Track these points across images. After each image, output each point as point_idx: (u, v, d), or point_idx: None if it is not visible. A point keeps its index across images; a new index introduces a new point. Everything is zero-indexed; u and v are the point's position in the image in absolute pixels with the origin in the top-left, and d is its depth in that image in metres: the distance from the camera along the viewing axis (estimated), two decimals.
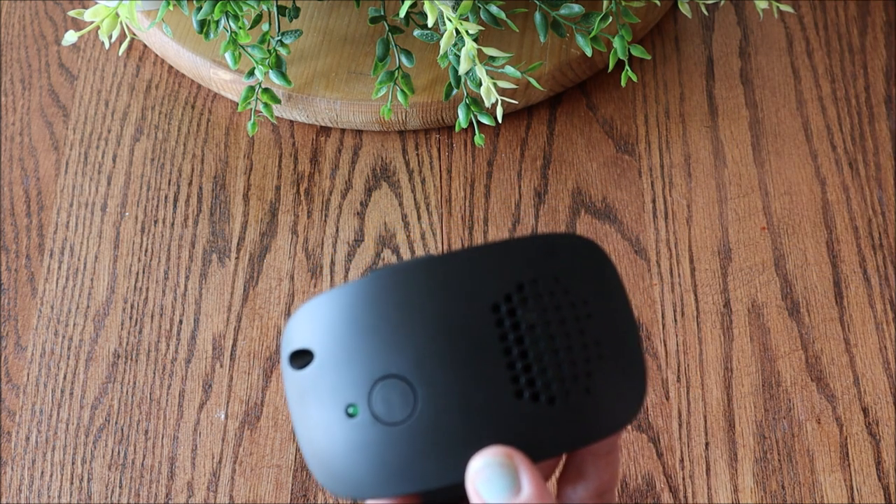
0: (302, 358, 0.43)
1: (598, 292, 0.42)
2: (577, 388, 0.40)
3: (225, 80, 0.83)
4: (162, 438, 0.72)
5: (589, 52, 0.77)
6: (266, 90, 0.80)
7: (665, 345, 0.75)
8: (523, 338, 0.41)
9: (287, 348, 0.43)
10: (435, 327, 0.41)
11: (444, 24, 0.71)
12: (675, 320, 0.76)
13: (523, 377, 0.40)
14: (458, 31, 0.70)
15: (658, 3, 0.83)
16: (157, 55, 0.87)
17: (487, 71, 0.73)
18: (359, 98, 0.81)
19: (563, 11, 0.76)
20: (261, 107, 0.80)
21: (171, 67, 0.86)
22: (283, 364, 0.43)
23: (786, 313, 0.76)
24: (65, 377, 0.74)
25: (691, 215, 0.80)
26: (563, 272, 0.41)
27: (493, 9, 0.73)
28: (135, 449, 0.72)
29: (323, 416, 0.41)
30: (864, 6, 0.88)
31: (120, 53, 0.85)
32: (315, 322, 0.42)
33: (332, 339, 0.42)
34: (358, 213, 0.80)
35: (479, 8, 0.73)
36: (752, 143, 0.83)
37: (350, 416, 0.41)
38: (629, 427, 0.72)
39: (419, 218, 0.80)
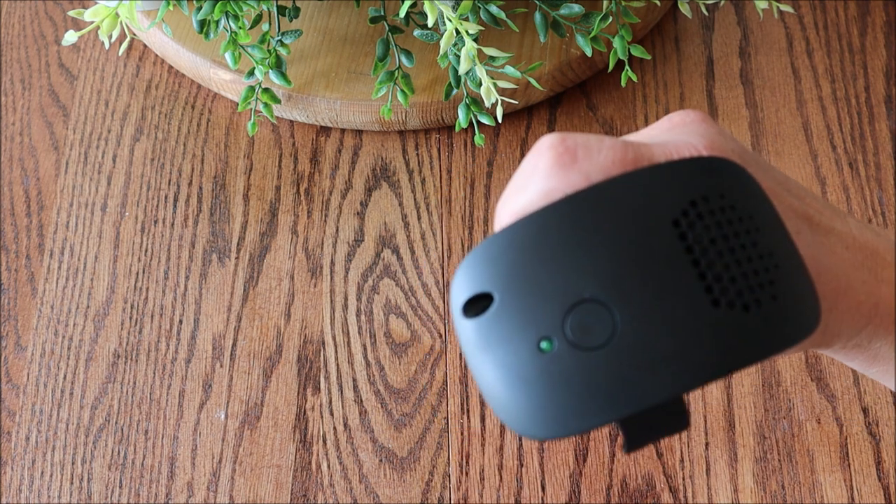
0: (478, 304, 0.41)
1: (757, 208, 0.42)
2: (765, 295, 0.41)
3: (225, 80, 0.83)
4: (162, 438, 0.72)
5: (589, 52, 0.77)
6: (266, 90, 0.80)
7: None
8: (708, 249, 0.41)
9: (460, 298, 0.42)
10: (620, 246, 0.41)
11: (444, 24, 0.71)
12: None
13: (716, 286, 0.40)
14: (458, 31, 0.70)
15: (658, 3, 0.83)
16: (157, 55, 0.87)
17: (487, 71, 0.73)
18: (359, 98, 0.81)
19: (563, 11, 0.76)
20: (261, 107, 0.80)
21: (171, 67, 0.86)
22: (457, 316, 0.42)
23: None
24: (65, 377, 0.74)
25: None
26: (726, 189, 0.42)
27: (493, 9, 0.73)
28: (135, 449, 0.72)
29: (513, 358, 0.40)
30: (864, 6, 0.88)
31: (120, 53, 0.85)
32: (492, 262, 0.41)
33: (513, 275, 0.41)
34: (358, 213, 0.80)
35: (479, 8, 0.73)
36: (752, 143, 0.83)
37: (543, 351, 0.40)
38: None
39: (419, 218, 0.80)
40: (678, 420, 0.41)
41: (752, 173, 0.44)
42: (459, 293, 0.42)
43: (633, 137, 0.46)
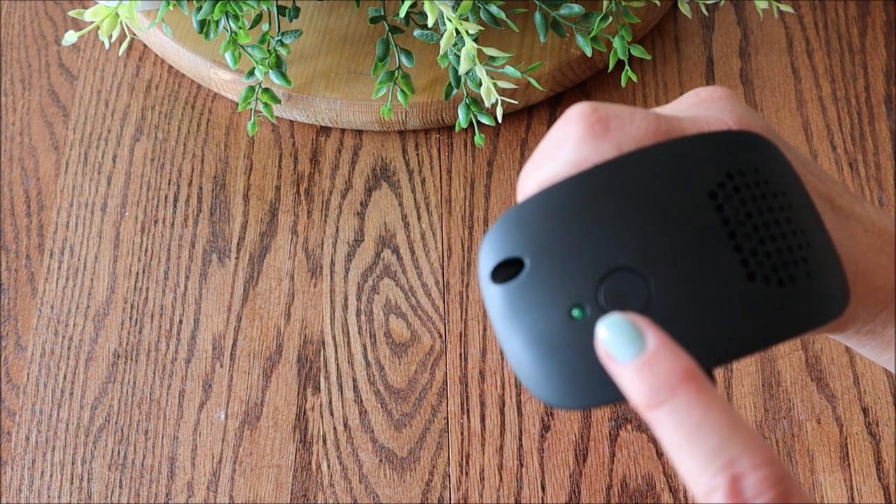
0: (507, 269, 0.41)
1: (790, 184, 0.42)
2: (800, 272, 0.40)
3: (225, 80, 0.83)
4: (162, 438, 0.72)
5: (589, 52, 0.77)
6: (266, 90, 0.80)
7: None
8: (744, 223, 0.40)
9: (488, 263, 0.41)
10: (656, 216, 0.40)
11: (444, 24, 0.71)
12: None
13: (752, 260, 0.40)
14: (458, 31, 0.70)
15: (658, 3, 0.83)
16: (157, 55, 0.87)
17: (487, 71, 0.73)
18: (359, 98, 0.81)
19: (563, 11, 0.76)
20: (261, 107, 0.80)
21: (171, 67, 0.86)
22: (484, 282, 0.41)
23: None
24: (65, 377, 0.74)
25: None
26: (761, 164, 0.41)
27: (493, 9, 0.73)
28: (135, 449, 0.72)
29: (544, 324, 0.40)
30: (864, 6, 0.88)
31: (120, 53, 0.85)
32: (524, 227, 0.41)
33: (545, 241, 0.40)
34: (358, 213, 0.80)
35: (479, 8, 0.73)
36: None
37: (575, 319, 0.39)
38: (629, 427, 0.72)
39: (419, 218, 0.80)
40: None
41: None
42: (489, 258, 0.41)
43: (661, 110, 0.45)
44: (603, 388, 0.39)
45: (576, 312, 0.40)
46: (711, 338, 0.39)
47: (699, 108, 0.45)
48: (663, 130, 0.42)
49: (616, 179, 0.41)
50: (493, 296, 0.41)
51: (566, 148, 0.42)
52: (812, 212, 0.42)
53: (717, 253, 0.40)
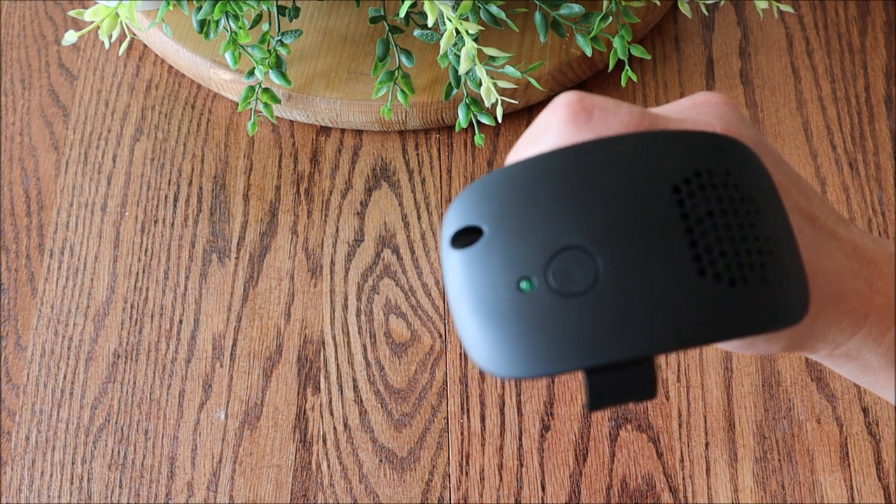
0: (467, 237, 0.42)
1: (761, 192, 0.42)
2: (755, 275, 0.40)
3: (225, 80, 0.83)
4: (162, 438, 0.72)
5: (589, 52, 0.77)
6: (266, 90, 0.80)
7: None
8: (703, 220, 0.40)
9: (450, 228, 0.42)
10: (616, 200, 0.41)
11: (444, 24, 0.71)
12: None
13: (706, 256, 0.40)
14: (458, 31, 0.70)
15: (658, 3, 0.83)
16: (157, 55, 0.87)
17: (487, 71, 0.73)
18: (359, 98, 0.81)
19: (563, 11, 0.76)
20: (261, 107, 0.80)
21: (171, 67, 0.86)
22: (444, 246, 0.42)
23: None
24: (65, 377, 0.74)
25: None
26: (734, 167, 0.42)
27: (493, 9, 0.73)
28: (135, 449, 0.72)
29: (492, 293, 0.41)
30: (864, 6, 0.88)
31: (120, 53, 0.85)
32: (486, 197, 0.42)
33: (505, 212, 0.41)
34: (358, 213, 0.80)
35: (479, 8, 0.73)
36: None
37: (522, 290, 0.40)
38: (629, 426, 0.72)
39: (419, 218, 0.80)
40: (645, 387, 0.41)
41: (763, 163, 0.44)
42: (451, 224, 0.42)
43: (653, 111, 0.45)
44: (540, 361, 0.40)
45: (524, 284, 0.40)
46: (652, 325, 0.40)
47: (691, 111, 0.45)
48: (645, 125, 0.42)
49: (583, 161, 0.41)
50: (450, 260, 0.42)
51: (549, 134, 0.43)
52: (782, 222, 0.42)
53: (671, 244, 0.40)
